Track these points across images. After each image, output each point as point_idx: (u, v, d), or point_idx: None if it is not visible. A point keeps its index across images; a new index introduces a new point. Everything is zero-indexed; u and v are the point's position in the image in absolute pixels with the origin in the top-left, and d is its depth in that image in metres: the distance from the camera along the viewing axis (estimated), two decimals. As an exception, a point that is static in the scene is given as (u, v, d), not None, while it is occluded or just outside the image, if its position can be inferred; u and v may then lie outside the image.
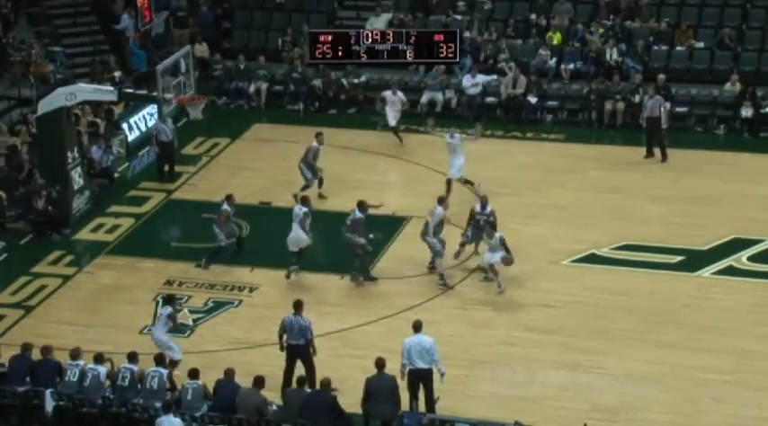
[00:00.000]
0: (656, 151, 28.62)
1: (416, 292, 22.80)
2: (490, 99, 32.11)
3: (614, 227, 25.16)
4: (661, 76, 30.50)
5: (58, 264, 24.53)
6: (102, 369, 18.44)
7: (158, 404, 17.59)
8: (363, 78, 32.76)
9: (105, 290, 23.41)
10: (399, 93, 29.97)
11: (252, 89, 33.03)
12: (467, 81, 32.00)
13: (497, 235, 22.43)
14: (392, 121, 29.73)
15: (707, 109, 31.07)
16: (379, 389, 17.80)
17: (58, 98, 25.61)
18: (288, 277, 23.27)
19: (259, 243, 24.68)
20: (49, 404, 17.99)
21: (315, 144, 26.37)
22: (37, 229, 25.73)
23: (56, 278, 23.89)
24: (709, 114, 31.01)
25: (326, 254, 24.07)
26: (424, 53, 21.18)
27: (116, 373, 18.47)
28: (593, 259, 24.02)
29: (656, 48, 32.68)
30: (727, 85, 31.20)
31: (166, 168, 28.46)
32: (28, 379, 18.49)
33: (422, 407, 18.26)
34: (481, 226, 23.13)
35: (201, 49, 34.17)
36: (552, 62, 32.78)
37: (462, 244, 23.52)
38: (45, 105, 25.87)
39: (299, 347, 19.12)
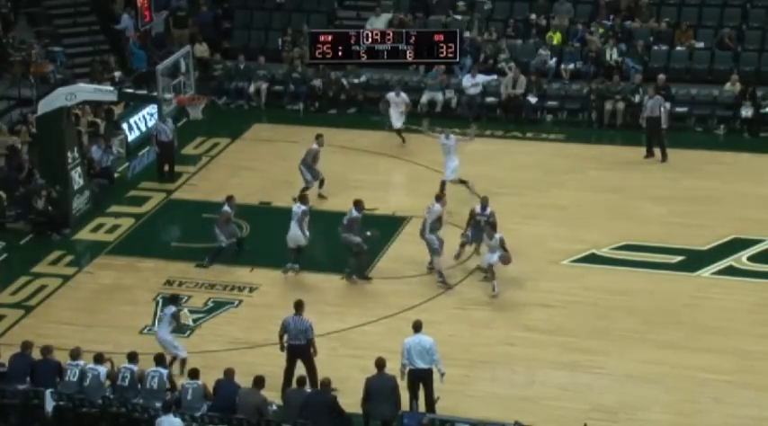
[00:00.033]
0: (657, 151, 28.62)
1: (416, 292, 22.80)
2: (490, 99, 32.12)
3: (614, 227, 25.16)
4: (661, 76, 30.50)
5: (57, 264, 24.54)
6: (102, 369, 18.44)
7: (158, 404, 17.59)
8: (363, 78, 32.76)
9: (105, 290, 23.41)
10: (403, 95, 29.94)
11: (252, 89, 33.03)
12: (467, 81, 32.00)
13: (497, 236, 22.43)
14: (397, 124, 29.67)
15: (707, 109, 31.07)
16: (379, 389, 17.81)
17: (58, 98, 25.61)
18: (285, 272, 23.28)
19: (259, 243, 24.67)
20: (49, 404, 17.98)
21: (315, 146, 26.36)
22: (37, 229, 25.73)
23: (56, 278, 23.89)
24: (710, 114, 31.01)
25: (327, 254, 24.07)
26: (424, 53, 21.18)
27: (116, 373, 18.47)
28: (593, 259, 24.03)
29: (656, 48, 32.68)
30: (727, 85, 31.20)
31: (166, 168, 28.46)
32: (28, 379, 18.51)
33: (422, 407, 18.27)
34: (482, 227, 23.13)
35: (201, 49, 34.16)
36: (552, 62, 32.78)
37: (462, 245, 23.53)
38: (45, 105, 25.88)
39: (299, 347, 19.12)
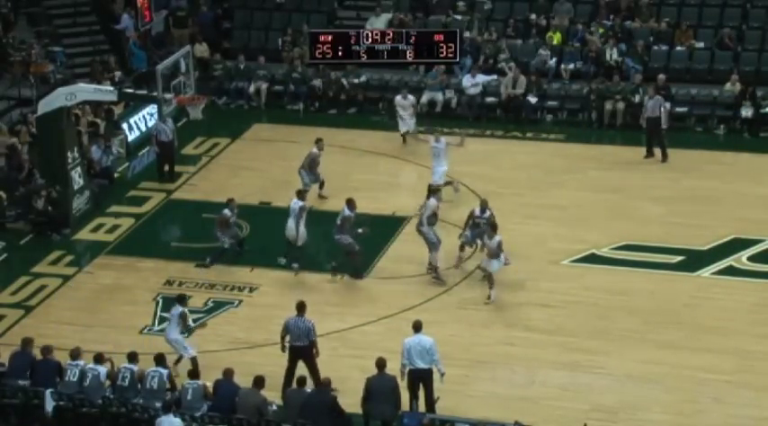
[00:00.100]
0: (657, 151, 28.61)
1: (416, 292, 22.80)
2: (490, 99, 32.11)
3: (614, 227, 25.15)
4: (661, 76, 30.49)
5: (57, 264, 24.54)
6: (102, 369, 18.45)
7: (158, 404, 17.60)
8: (363, 78, 32.76)
9: (105, 290, 23.41)
10: (410, 97, 29.90)
11: (252, 89, 33.03)
12: (467, 81, 32.00)
13: (497, 238, 22.34)
14: (405, 127, 29.53)
15: (707, 109, 31.06)
16: (379, 389, 17.80)
17: (58, 98, 25.61)
18: (281, 263, 23.49)
19: (259, 243, 24.68)
20: (49, 404, 17.98)
21: (315, 150, 26.31)
22: (37, 229, 25.73)
23: (56, 278, 23.90)
24: (710, 114, 31.00)
25: (327, 255, 24.06)
26: (424, 53, 21.17)
27: (116, 373, 18.48)
28: (593, 259, 24.02)
29: (656, 48, 32.68)
30: (728, 85, 31.19)
31: (166, 168, 28.46)
32: (28, 373, 18.53)
33: (422, 407, 18.27)
34: (482, 229, 23.09)
35: (201, 49, 34.16)
36: (552, 62, 32.78)
37: (462, 247, 23.51)
38: (45, 105, 25.87)
39: (301, 348, 19.11)
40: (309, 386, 18.25)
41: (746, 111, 30.33)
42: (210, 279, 23.56)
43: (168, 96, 25.36)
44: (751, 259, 23.91)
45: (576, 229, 25.13)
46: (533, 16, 34.03)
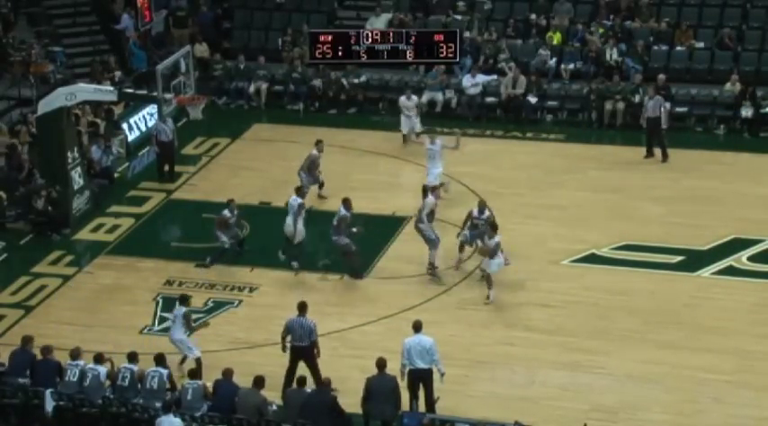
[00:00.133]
0: (657, 151, 28.61)
1: (416, 292, 22.80)
2: (490, 99, 32.10)
3: (614, 227, 25.15)
4: (661, 76, 30.49)
5: (57, 264, 24.54)
6: (102, 369, 18.45)
7: (158, 404, 17.60)
8: (363, 78, 32.76)
9: (105, 290, 23.41)
10: (414, 97, 29.88)
11: (252, 89, 33.03)
12: (467, 81, 32.00)
13: (496, 238, 22.32)
14: (408, 127, 29.50)
15: (707, 109, 31.06)
16: (379, 389, 17.80)
17: (58, 98, 25.61)
18: (279, 258, 23.55)
19: (259, 243, 24.68)
20: (49, 404, 17.99)
21: (314, 152, 26.29)
22: (37, 229, 25.73)
23: (56, 278, 23.90)
24: (710, 114, 31.00)
25: (327, 255, 24.06)
26: (424, 53, 21.16)
27: (116, 373, 18.47)
28: (593, 259, 24.02)
29: (656, 48, 32.68)
30: (728, 85, 31.19)
31: (166, 168, 28.46)
32: (28, 372, 18.54)
33: (422, 407, 18.27)
34: (481, 230, 23.07)
35: (201, 49, 34.16)
36: (552, 62, 32.78)
37: (461, 247, 23.50)
38: (45, 105, 25.87)
39: (303, 348, 19.11)
40: (310, 386, 18.25)
41: (746, 111, 30.33)
42: (210, 279, 23.57)
43: (168, 96, 25.36)
44: (751, 259, 23.91)
45: (576, 229, 25.13)
46: (533, 16, 34.03)
